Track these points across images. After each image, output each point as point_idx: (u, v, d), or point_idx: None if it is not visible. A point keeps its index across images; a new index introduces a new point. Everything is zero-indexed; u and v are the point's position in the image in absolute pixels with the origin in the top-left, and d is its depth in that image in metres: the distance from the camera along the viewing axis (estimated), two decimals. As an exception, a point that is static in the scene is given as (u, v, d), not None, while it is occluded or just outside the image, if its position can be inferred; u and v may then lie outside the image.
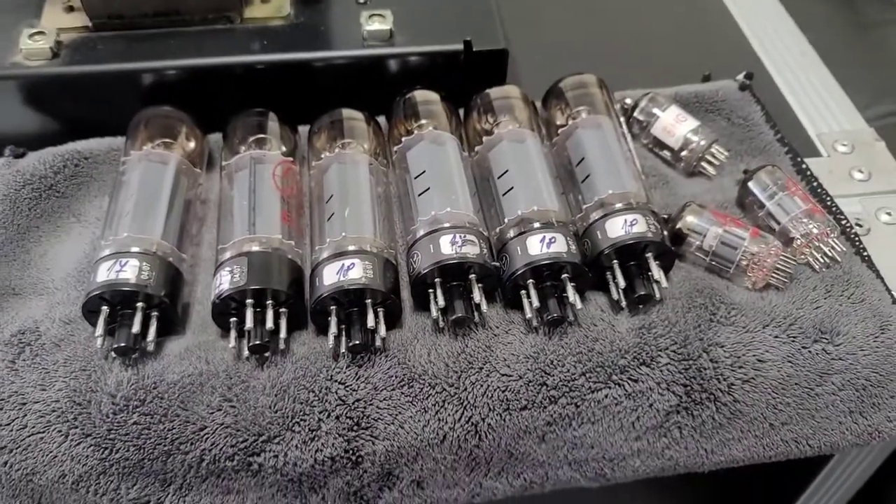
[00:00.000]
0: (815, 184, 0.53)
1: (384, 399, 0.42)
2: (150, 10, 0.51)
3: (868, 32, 1.08)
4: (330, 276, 0.42)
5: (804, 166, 0.54)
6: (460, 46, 0.52)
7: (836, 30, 1.07)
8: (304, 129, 0.52)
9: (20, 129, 0.51)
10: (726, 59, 0.64)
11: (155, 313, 0.42)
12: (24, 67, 0.49)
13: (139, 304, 0.42)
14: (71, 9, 0.52)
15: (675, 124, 0.53)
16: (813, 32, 0.79)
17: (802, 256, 0.48)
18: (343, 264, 0.42)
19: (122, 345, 0.41)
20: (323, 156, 0.49)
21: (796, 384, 0.45)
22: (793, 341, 0.45)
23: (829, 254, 0.48)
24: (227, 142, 0.50)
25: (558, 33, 0.67)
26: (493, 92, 0.52)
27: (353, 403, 0.42)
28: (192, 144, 0.50)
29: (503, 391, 0.43)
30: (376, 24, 0.52)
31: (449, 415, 0.42)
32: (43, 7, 0.52)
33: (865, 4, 1.16)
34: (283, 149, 0.49)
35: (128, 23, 0.51)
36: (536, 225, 0.44)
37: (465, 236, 0.43)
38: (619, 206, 0.45)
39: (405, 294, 0.45)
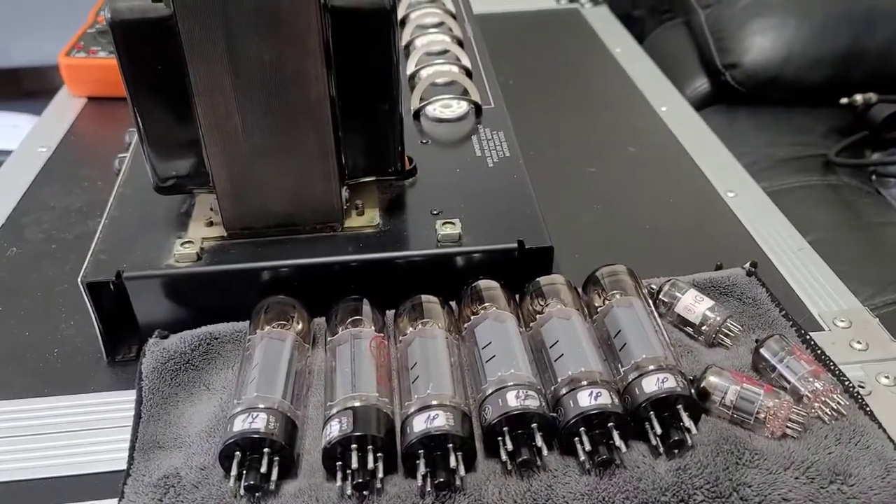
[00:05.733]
0: (818, 351, 0.62)
1: (463, 531, 0.50)
2: (273, 223, 0.65)
3: (866, 232, 1.21)
4: (419, 425, 0.52)
5: (808, 337, 0.64)
6: (515, 245, 0.65)
7: (836, 230, 1.21)
8: (390, 312, 0.64)
9: (166, 317, 0.64)
10: (734, 252, 0.76)
11: (277, 458, 0.52)
12: (176, 268, 0.63)
13: (265, 450, 0.52)
14: (211, 223, 0.66)
15: (694, 304, 0.64)
16: (815, 233, 0.91)
17: (813, 410, 0.57)
18: (429, 415, 0.52)
19: (252, 483, 0.50)
20: (407, 332, 0.60)
21: (819, 522, 0.52)
22: (811, 482, 0.53)
23: (835, 407, 0.56)
24: (330, 323, 0.62)
25: (592, 232, 0.81)
26: (543, 280, 0.64)
27: (437, 536, 0.50)
28: (301, 325, 0.62)
29: (564, 525, 0.50)
30: (448, 229, 0.65)
31: (519, 546, 0.50)
32: (189, 223, 0.67)
33: (865, 208, 1.31)
34: (374, 328, 0.61)
35: (255, 232, 0.65)
36: (584, 383, 0.54)
37: (527, 392, 0.53)
38: (651, 367, 0.55)
39: (477, 443, 0.54)
